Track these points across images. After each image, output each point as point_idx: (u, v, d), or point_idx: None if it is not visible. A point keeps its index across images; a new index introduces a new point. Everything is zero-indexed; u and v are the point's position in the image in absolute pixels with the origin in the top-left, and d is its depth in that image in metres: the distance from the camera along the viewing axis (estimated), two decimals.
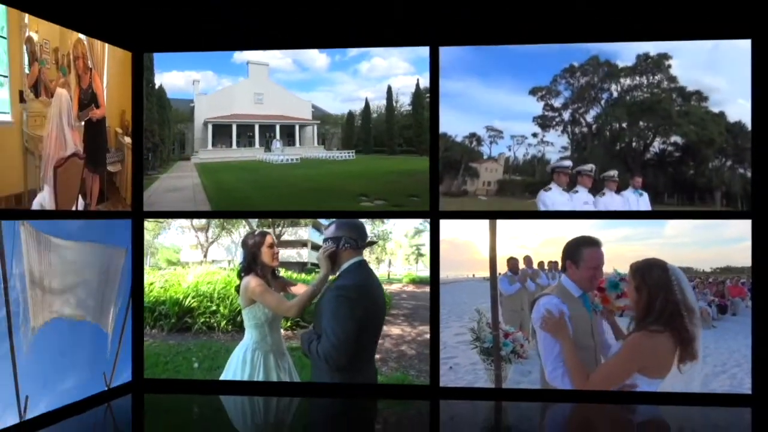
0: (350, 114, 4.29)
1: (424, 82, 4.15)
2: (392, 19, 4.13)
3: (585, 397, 3.94)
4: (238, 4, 4.19)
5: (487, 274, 4.09)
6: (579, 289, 3.93)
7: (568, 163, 4.10)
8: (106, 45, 4.05)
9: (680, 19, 3.99)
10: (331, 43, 4.24)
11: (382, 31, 4.16)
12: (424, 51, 4.14)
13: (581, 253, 3.94)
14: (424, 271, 4.20)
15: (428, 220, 4.16)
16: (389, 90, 4.21)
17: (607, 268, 3.98)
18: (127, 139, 4.27)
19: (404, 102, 4.22)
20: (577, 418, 3.98)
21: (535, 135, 4.14)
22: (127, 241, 4.28)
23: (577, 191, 4.11)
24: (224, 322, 4.35)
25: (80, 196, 3.76)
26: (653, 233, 3.99)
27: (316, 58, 4.26)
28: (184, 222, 4.38)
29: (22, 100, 3.27)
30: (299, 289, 4.18)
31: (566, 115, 4.11)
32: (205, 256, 4.42)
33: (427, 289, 4.17)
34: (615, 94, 4.11)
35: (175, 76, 4.35)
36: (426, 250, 4.20)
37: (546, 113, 4.11)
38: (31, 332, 3.40)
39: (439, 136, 4.13)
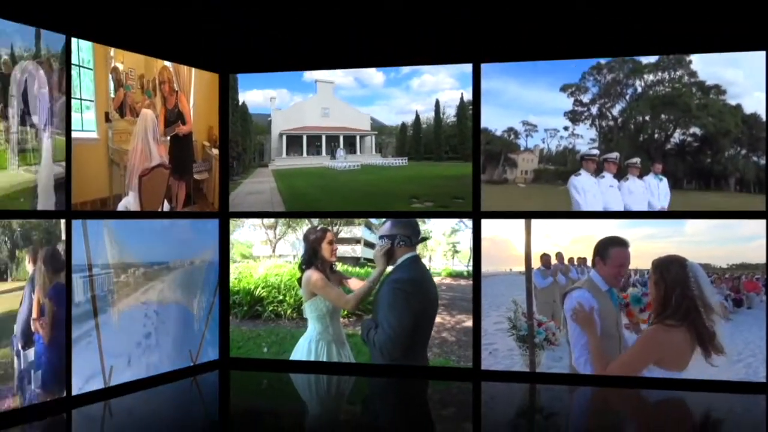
0: (403, 125, 5.11)
1: (468, 95, 4.88)
2: (439, 40, 4.90)
3: (610, 381, 4.57)
4: (308, 32, 5.06)
5: (522, 268, 4.78)
6: (606, 284, 4.60)
7: (596, 151, 4.83)
8: (193, 69, 5.02)
9: (698, 34, 4.52)
10: (386, 62, 5.05)
11: (430, 51, 4.92)
12: (468, 68, 4.87)
13: (609, 251, 4.61)
14: (460, 266, 4.95)
15: (470, 219, 4.88)
16: (437, 103, 4.99)
17: (633, 265, 4.58)
18: (215, 151, 5.25)
19: (450, 114, 4.99)
20: (601, 400, 4.61)
21: (566, 128, 4.88)
22: (214, 237, 5.24)
23: (603, 176, 4.81)
24: (290, 310, 5.30)
25: (166, 201, 4.75)
26: (675, 231, 4.58)
27: (374, 75, 5.10)
28: (256, 220, 5.30)
29: (107, 120, 4.36)
30: (354, 283, 5.03)
31: (594, 110, 4.83)
32: (273, 250, 5.38)
33: (463, 281, 4.95)
34: (639, 89, 4.79)
35: (255, 94, 5.30)
36: (461, 247, 4.94)
37: (576, 108, 4.85)
38: (117, 313, 4.41)
39: (480, 144, 4.85)
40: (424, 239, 5.01)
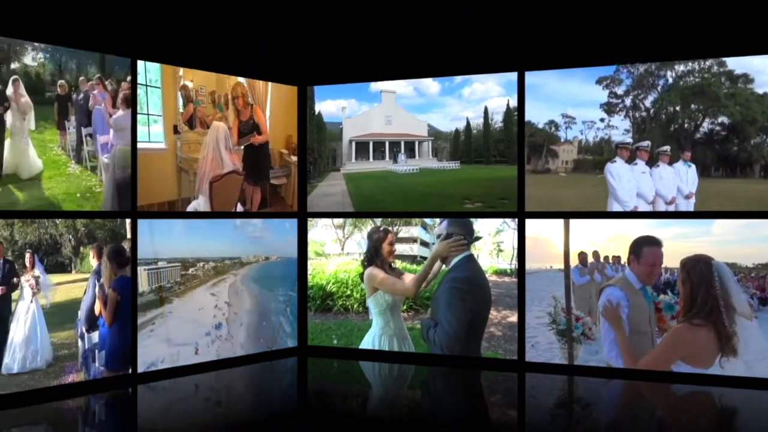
0: (456, 131, 5.79)
1: (513, 102, 5.46)
2: (487, 51, 5.54)
3: (641, 376, 5.06)
4: (377, 46, 5.85)
5: (561, 265, 5.28)
6: (639, 282, 5.08)
7: (630, 139, 5.40)
8: (269, 84, 5.89)
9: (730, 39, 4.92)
10: (441, 73, 5.73)
11: (480, 61, 5.55)
12: (513, 76, 5.44)
13: (642, 250, 5.11)
14: (503, 264, 5.53)
15: (515, 219, 5.45)
16: (485, 110, 5.61)
17: (665, 263, 5.01)
18: (293, 158, 6.10)
19: (497, 120, 5.56)
20: (634, 393, 5.06)
21: (602, 120, 5.45)
22: (290, 236, 6.11)
23: (636, 163, 5.37)
24: (356, 304, 6.17)
25: (240, 204, 5.65)
26: (704, 231, 4.94)
27: (431, 85, 5.81)
28: (327, 221, 6.13)
29: (176, 132, 5.43)
30: (408, 278, 5.70)
31: (628, 101, 5.39)
32: (342, 248, 6.22)
33: (507, 279, 5.55)
34: (670, 80, 5.31)
35: (329, 104, 6.13)
36: (504, 246, 5.52)
37: (611, 100, 5.42)
38: (185, 303, 5.47)
39: (525, 148, 5.43)
40: (477, 239, 5.64)
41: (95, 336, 4.97)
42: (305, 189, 6.31)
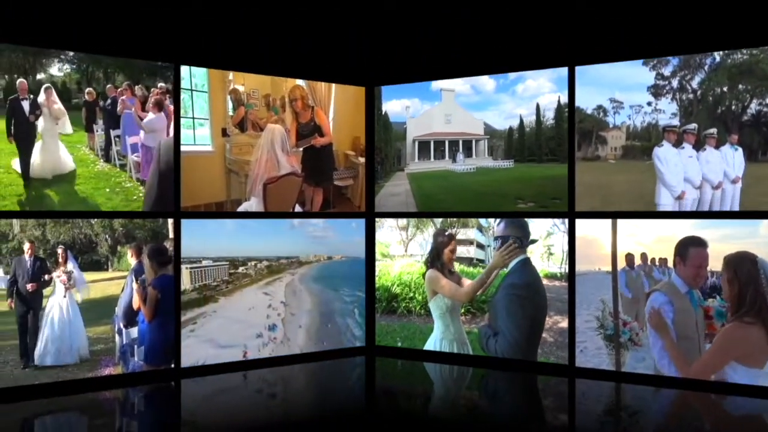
0: (510, 129, 5.97)
1: (564, 98, 5.56)
2: (538, 47, 5.68)
3: (691, 385, 5.07)
4: (439, 46, 6.12)
5: (609, 267, 5.34)
6: (686, 285, 5.12)
7: (676, 122, 5.48)
8: (333, 85, 6.28)
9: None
10: (496, 70, 5.92)
11: (531, 57, 5.70)
12: (564, 71, 5.56)
13: (688, 251, 5.17)
14: (554, 267, 5.65)
15: (566, 219, 5.57)
16: (537, 107, 5.74)
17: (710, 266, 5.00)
18: (361, 159, 6.48)
19: (549, 117, 5.68)
20: (682, 404, 5.06)
21: (649, 104, 5.56)
22: (355, 236, 6.48)
23: (683, 147, 5.45)
24: (418, 307, 6.53)
25: (299, 205, 6.08)
26: (751, 233, 4.89)
27: (487, 82, 6.04)
28: (392, 222, 6.48)
29: (224, 134, 5.97)
30: (467, 284, 6.10)
31: (675, 83, 5.48)
32: (405, 250, 6.57)
33: (557, 283, 5.68)
34: (717, 59, 5.34)
35: (394, 104, 6.44)
36: (555, 249, 5.65)
37: (657, 82, 5.52)
38: (232, 302, 5.99)
39: (575, 146, 5.56)
40: (533, 241, 5.80)
41: (134, 332, 5.57)
42: (373, 189, 6.74)
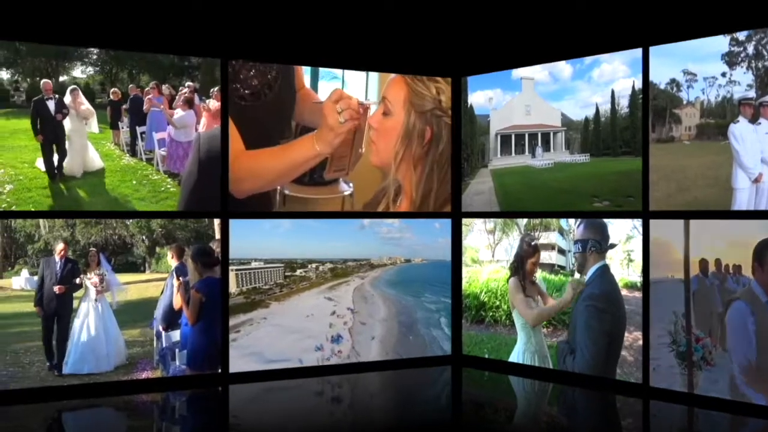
0: (586, 119, 5.51)
1: (639, 83, 5.10)
2: (611, 26, 5.22)
3: None
4: (519, 30, 5.82)
5: (682, 275, 4.83)
6: (766, 294, 4.46)
7: (752, 94, 4.87)
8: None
9: None
10: (569, 55, 5.51)
11: (604, 38, 5.27)
12: (638, 52, 5.10)
13: (766, 255, 4.44)
14: (634, 276, 5.16)
15: (640, 220, 5.10)
16: (612, 94, 5.29)
17: None
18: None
19: (624, 105, 5.21)
20: None
21: (723, 74, 4.97)
22: (437, 237, 6.28)
23: (760, 123, 4.84)
24: (504, 316, 6.17)
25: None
26: None
27: (564, 68, 5.67)
28: (480, 225, 6.24)
29: None
30: (548, 300, 5.79)
31: (750, 49, 4.86)
32: (492, 255, 6.30)
33: (637, 293, 5.18)
34: None
35: (478, 96, 6.16)
36: (635, 255, 5.15)
37: (732, 48, 4.93)
38: (287, 307, 5.91)
39: (650, 136, 5.04)
40: (612, 246, 5.35)
41: (175, 335, 5.59)
42: (460, 187, 6.47)
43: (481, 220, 6.30)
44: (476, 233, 6.42)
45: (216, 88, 5.66)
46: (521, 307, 5.86)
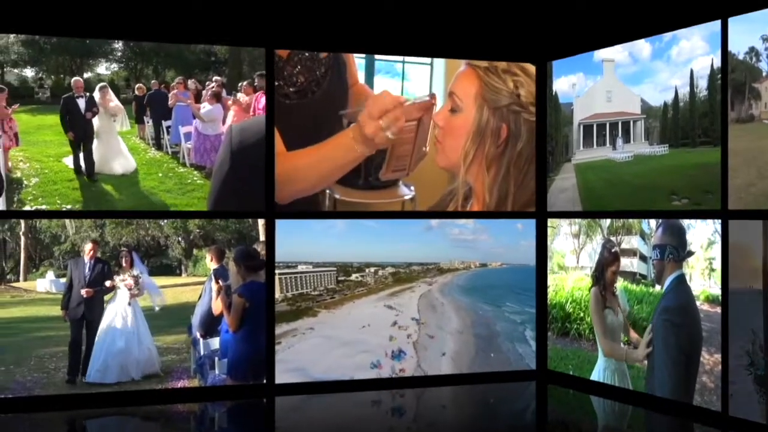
0: (665, 105, 4.94)
1: (718, 61, 4.48)
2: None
3: None
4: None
5: (761, 285, 4.21)
6: None
7: None
8: None
9: None
10: (649, 32, 4.96)
11: (683, 12, 4.68)
12: (717, 26, 4.49)
13: None
14: (716, 288, 4.60)
15: (719, 221, 4.46)
16: (691, 74, 4.70)
17: None
18: None
19: (702, 87, 4.59)
20: None
21: None
22: (518, 239, 5.83)
23: None
24: (587, 330, 5.59)
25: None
26: None
27: (643, 48, 5.11)
28: (566, 228, 5.77)
29: None
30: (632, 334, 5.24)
31: None
32: (577, 261, 5.77)
33: (719, 309, 4.58)
34: None
35: (562, 82, 5.67)
36: (717, 264, 4.59)
37: None
38: (339, 315, 5.58)
39: (728, 124, 4.43)
40: (690, 254, 4.79)
41: (214, 342, 5.38)
42: (545, 184, 5.97)
43: (567, 221, 5.79)
44: (562, 237, 5.89)
45: (245, 83, 5.53)
46: (598, 332, 5.35)
